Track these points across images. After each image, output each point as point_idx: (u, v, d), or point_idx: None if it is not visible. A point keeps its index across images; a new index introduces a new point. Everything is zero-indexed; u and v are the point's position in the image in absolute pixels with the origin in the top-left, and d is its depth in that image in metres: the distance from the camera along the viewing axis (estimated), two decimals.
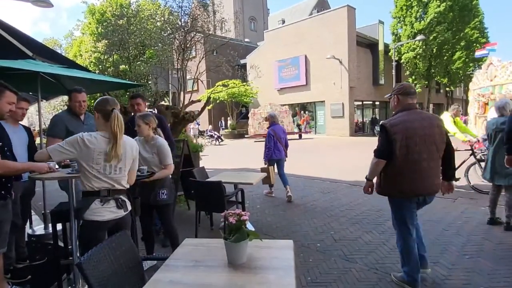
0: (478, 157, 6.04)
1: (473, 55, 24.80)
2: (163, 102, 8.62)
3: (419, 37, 20.62)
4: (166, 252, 3.29)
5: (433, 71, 24.67)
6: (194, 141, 7.59)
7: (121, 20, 8.61)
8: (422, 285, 2.75)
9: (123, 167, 2.13)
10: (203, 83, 9.01)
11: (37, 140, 4.94)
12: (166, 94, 8.47)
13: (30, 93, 5.42)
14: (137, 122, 3.02)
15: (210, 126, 24.57)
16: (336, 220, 4.62)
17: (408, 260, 2.66)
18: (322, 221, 4.59)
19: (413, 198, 2.63)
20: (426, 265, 2.85)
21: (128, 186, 2.22)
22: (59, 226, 2.93)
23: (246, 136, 24.66)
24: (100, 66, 13.29)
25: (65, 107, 3.66)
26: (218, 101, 24.08)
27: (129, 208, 2.22)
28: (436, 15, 21.89)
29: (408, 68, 24.28)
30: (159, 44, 8.00)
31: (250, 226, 1.86)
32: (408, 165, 2.52)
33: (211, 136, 21.52)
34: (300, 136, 22.62)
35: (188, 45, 6.83)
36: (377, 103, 27.47)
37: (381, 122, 2.86)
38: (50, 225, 3.99)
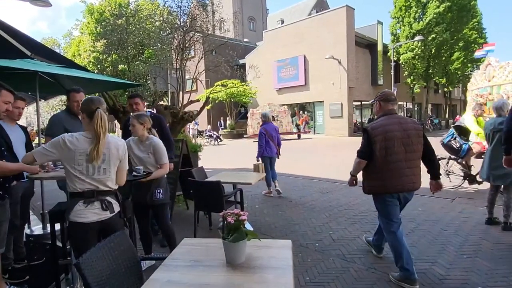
0: None
1: (471, 56, 24.89)
2: (162, 102, 8.62)
3: (417, 38, 20.67)
4: (164, 252, 3.29)
5: (431, 71, 24.72)
6: (193, 141, 7.59)
7: (120, 20, 8.60)
8: (420, 285, 2.76)
9: (108, 168, 2.07)
10: (202, 83, 9.00)
11: (36, 140, 4.93)
12: (165, 94, 8.47)
13: (29, 92, 5.42)
14: (132, 122, 3.02)
15: (209, 126, 24.56)
16: (334, 220, 4.62)
17: (401, 253, 2.80)
18: (321, 221, 4.59)
19: (394, 194, 2.85)
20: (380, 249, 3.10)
21: (115, 187, 2.16)
22: (57, 226, 2.92)
23: (245, 136, 24.67)
24: (98, 66, 13.25)
25: (64, 107, 3.66)
26: (217, 101, 24.07)
27: (117, 209, 2.15)
28: (435, 15, 21.93)
29: (407, 68, 24.32)
30: (158, 44, 8.00)
31: (248, 226, 1.87)
32: (387, 165, 2.76)
33: (210, 136, 21.52)
34: (299, 136, 22.64)
35: (187, 45, 6.83)
36: None
37: (364, 126, 3.05)
38: (48, 225, 4.00)
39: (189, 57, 7.23)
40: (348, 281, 2.88)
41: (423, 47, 22.70)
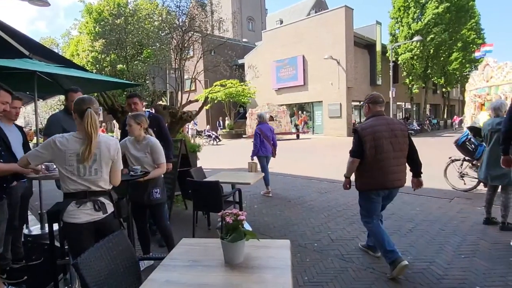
0: None
1: (469, 56, 24.95)
2: (160, 102, 8.60)
3: (416, 38, 20.69)
4: (163, 252, 3.29)
5: (429, 72, 24.76)
6: (192, 141, 7.59)
7: (118, 20, 8.59)
8: (418, 285, 2.77)
9: (99, 168, 2.04)
10: (201, 83, 8.98)
11: (34, 140, 4.92)
12: (163, 93, 8.46)
13: (27, 92, 5.41)
14: (128, 122, 3.01)
15: (208, 126, 24.55)
16: (333, 220, 4.63)
17: (382, 239, 2.99)
18: (319, 221, 4.60)
19: (380, 192, 3.05)
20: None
21: (108, 187, 2.13)
22: (55, 226, 2.91)
23: (244, 136, 24.66)
24: (97, 66, 13.22)
25: (62, 107, 3.65)
26: (216, 101, 24.06)
27: (110, 210, 2.12)
28: (433, 16, 21.97)
29: (405, 68, 24.36)
30: (157, 44, 7.98)
31: (247, 226, 1.87)
32: (376, 163, 2.96)
33: (209, 136, 21.50)
34: (298, 136, 22.66)
35: (185, 45, 6.82)
36: None
37: (354, 127, 3.19)
38: (46, 225, 3.98)
39: (188, 57, 7.23)
40: (347, 281, 2.88)
41: (421, 48, 22.74)
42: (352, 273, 3.02)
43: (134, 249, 2.29)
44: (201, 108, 6.78)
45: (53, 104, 22.90)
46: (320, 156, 12.62)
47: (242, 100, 24.79)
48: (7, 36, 3.88)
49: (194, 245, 1.96)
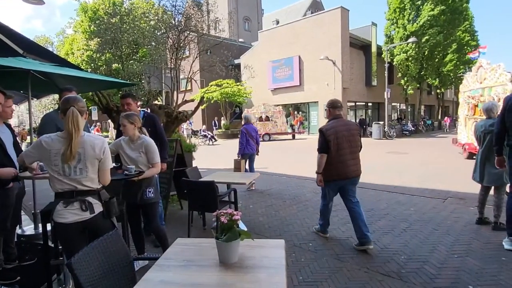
0: None
1: (463, 58, 25.18)
2: (156, 102, 8.57)
3: (411, 40, 20.84)
4: (157, 252, 3.28)
5: (424, 73, 24.94)
6: (187, 141, 7.57)
7: (114, 18, 8.52)
8: (412, 284, 2.79)
9: (84, 168, 2.01)
10: (197, 82, 8.97)
11: (28, 139, 4.88)
12: (159, 93, 8.42)
13: (21, 91, 5.36)
14: (122, 122, 2.99)
15: (204, 126, 24.49)
16: None
17: (323, 217, 3.96)
18: (314, 221, 4.60)
19: (341, 181, 3.63)
20: (370, 242, 3.51)
21: (97, 187, 2.11)
22: (49, 226, 2.89)
23: (239, 136, 24.64)
24: (92, 65, 13.15)
25: (57, 106, 3.62)
26: (212, 101, 24.02)
27: (98, 210, 2.08)
28: (429, 18, 22.13)
29: (400, 70, 24.52)
30: (153, 43, 7.94)
31: (242, 226, 1.87)
32: (338, 158, 3.54)
33: (205, 136, 21.46)
34: (294, 137, 22.70)
35: (181, 45, 6.80)
36: (369, 104, 27.71)
37: (319, 128, 3.79)
38: (40, 225, 3.95)
39: (183, 56, 7.20)
40: (341, 281, 2.90)
41: (416, 49, 22.89)
42: (346, 273, 3.04)
43: (129, 249, 2.28)
44: (196, 108, 6.77)
45: (48, 103, 22.72)
46: (316, 156, 12.63)
47: (238, 100, 24.77)
48: (1, 34, 3.84)
49: (189, 245, 1.96)
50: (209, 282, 1.50)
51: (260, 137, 21.97)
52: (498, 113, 3.83)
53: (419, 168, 9.11)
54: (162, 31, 7.61)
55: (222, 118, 26.50)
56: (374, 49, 24.88)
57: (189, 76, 6.90)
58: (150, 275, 1.56)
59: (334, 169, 3.56)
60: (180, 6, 7.11)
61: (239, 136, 7.04)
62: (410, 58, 23.38)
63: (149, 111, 5.40)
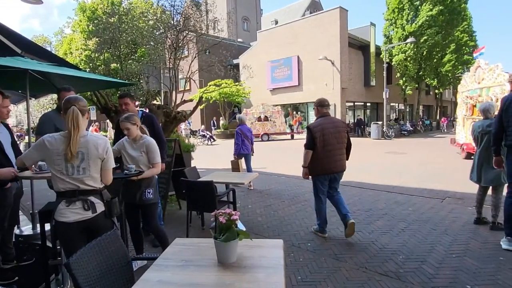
0: None
1: (462, 58, 25.24)
2: (154, 102, 8.56)
3: (409, 40, 20.88)
4: (156, 252, 3.28)
5: (423, 73, 25.00)
6: (186, 141, 7.57)
7: (112, 18, 8.51)
8: (410, 284, 2.80)
9: (87, 167, 2.02)
10: (196, 82, 8.96)
11: (26, 139, 4.87)
12: (158, 93, 8.41)
13: (19, 91, 5.34)
14: (125, 126, 2.94)
15: (203, 126, 24.48)
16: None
17: (320, 216, 3.99)
18: (313, 221, 4.61)
19: (327, 175, 3.83)
20: (348, 218, 3.78)
21: (99, 186, 2.11)
22: (47, 226, 2.88)
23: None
24: (90, 64, 13.10)
25: (55, 106, 3.61)
26: (211, 101, 24.01)
27: (100, 209, 2.09)
28: (427, 18, 22.18)
29: (399, 70, 24.57)
30: (151, 43, 7.94)
31: (241, 226, 1.87)
32: (324, 153, 3.74)
33: (203, 136, 21.44)
34: (292, 137, 22.72)
35: (180, 44, 6.79)
36: (368, 104, 27.75)
37: (307, 125, 4.07)
38: (38, 225, 3.94)
39: (182, 56, 7.20)
40: (340, 280, 2.90)
41: (415, 49, 22.94)
42: (345, 273, 3.04)
43: (127, 249, 2.28)
44: (195, 108, 6.77)
45: (46, 103, 22.66)
46: None
47: (237, 100, 24.76)
48: None
49: (187, 245, 1.96)
50: (208, 282, 1.50)
51: (259, 137, 22.07)
52: (495, 113, 3.84)
53: (418, 168, 9.13)
54: (160, 30, 7.61)
55: (221, 118, 26.49)
56: (372, 49, 24.92)
57: (187, 76, 6.90)
58: (148, 275, 1.56)
59: (321, 164, 3.78)
60: (178, 6, 7.10)
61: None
62: (408, 58, 23.43)
63: (147, 111, 5.40)
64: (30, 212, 4.36)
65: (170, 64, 6.84)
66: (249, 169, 7.01)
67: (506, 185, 3.68)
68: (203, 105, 22.89)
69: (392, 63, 24.30)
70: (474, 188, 4.41)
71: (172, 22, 7.13)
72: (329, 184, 3.93)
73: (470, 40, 27.00)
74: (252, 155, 7.12)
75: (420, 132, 25.76)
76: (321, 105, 3.94)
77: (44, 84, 4.56)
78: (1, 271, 3.03)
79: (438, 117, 33.10)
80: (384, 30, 24.92)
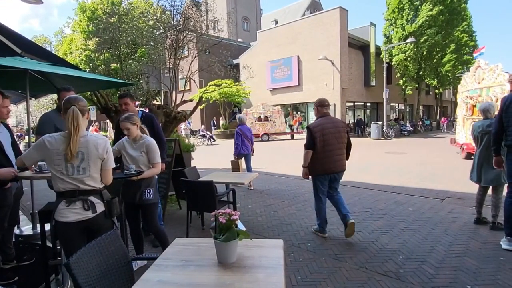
0: None
1: (462, 58, 25.24)
2: (155, 102, 8.55)
3: (409, 40, 20.88)
4: (156, 252, 3.28)
5: (423, 73, 25.00)
6: (186, 140, 7.57)
7: (112, 18, 8.50)
8: (410, 284, 2.80)
9: (87, 167, 2.02)
10: (196, 82, 8.95)
11: (26, 139, 4.87)
12: (158, 93, 8.41)
13: (20, 91, 5.34)
14: (125, 126, 2.94)
15: (203, 126, 24.48)
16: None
17: (320, 216, 4.00)
18: (313, 221, 4.61)
19: (327, 175, 3.83)
20: (348, 219, 3.80)
21: (99, 186, 2.12)
22: (47, 226, 2.88)
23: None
24: (90, 64, 13.09)
25: (55, 106, 3.61)
26: (211, 101, 24.00)
27: (100, 209, 2.09)
28: (427, 18, 22.18)
29: (399, 70, 24.57)
30: (151, 43, 7.93)
31: (241, 226, 1.87)
32: (324, 153, 3.75)
33: (203, 136, 21.44)
34: (292, 137, 22.72)
35: (180, 44, 6.79)
36: (368, 104, 27.75)
37: (307, 125, 4.18)
38: (38, 225, 3.94)
39: (182, 56, 7.19)
40: (340, 280, 2.90)
41: (415, 49, 22.95)
42: (345, 273, 3.04)
43: (127, 249, 2.28)
44: (195, 108, 6.77)
45: (46, 103, 22.65)
46: None
47: (237, 100, 24.76)
48: None
49: (187, 245, 1.96)
50: (208, 282, 1.50)
51: (259, 137, 22.05)
52: (495, 113, 3.84)
53: (418, 168, 9.13)
54: (160, 30, 7.61)
55: (221, 118, 26.48)
56: (372, 49, 24.92)
57: (187, 76, 6.90)
58: (148, 275, 1.56)
59: (321, 164, 3.79)
60: (178, 6, 7.10)
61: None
62: (408, 58, 23.42)
63: (147, 111, 5.40)
64: (30, 212, 4.36)
65: (170, 64, 6.84)
66: (249, 169, 7.01)
67: (506, 185, 3.68)
68: (203, 105, 22.89)
69: (392, 63, 24.30)
70: (474, 188, 4.41)
71: (172, 22, 7.12)
72: (329, 184, 3.92)
73: (470, 40, 27.00)
74: (252, 155, 7.13)
75: (420, 132, 25.76)
76: (321, 105, 3.96)
77: (44, 84, 4.56)
78: (1, 271, 3.03)
79: (438, 117, 33.12)
80: (384, 30, 24.92)
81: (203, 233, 4.24)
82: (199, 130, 22.94)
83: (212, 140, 21.10)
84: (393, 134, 20.91)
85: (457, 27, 24.48)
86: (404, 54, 23.31)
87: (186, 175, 4.46)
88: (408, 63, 23.71)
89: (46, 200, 3.04)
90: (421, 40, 22.47)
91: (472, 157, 4.49)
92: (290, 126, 23.53)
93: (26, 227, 4.41)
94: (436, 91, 31.32)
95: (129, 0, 13.70)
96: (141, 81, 8.26)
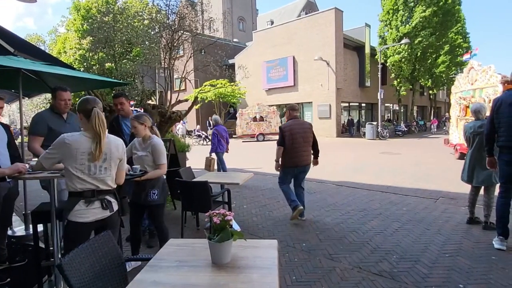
0: None
1: (456, 59, 25.49)
2: (149, 101, 8.51)
3: (404, 41, 21.04)
4: (151, 252, 3.26)
5: (417, 74, 25.20)
6: (182, 140, 7.57)
7: (107, 17, 8.46)
8: (403, 284, 2.82)
9: (109, 167, 2.09)
10: (191, 82, 8.95)
11: (19, 139, 4.82)
12: (153, 93, 8.37)
13: (12, 90, 5.28)
14: (132, 124, 3.00)
15: (198, 126, 24.42)
16: (321, 220, 4.67)
17: (289, 196, 4.54)
18: (308, 221, 4.63)
19: (295, 168, 4.50)
20: (303, 215, 4.62)
21: (114, 186, 2.18)
22: (40, 227, 2.86)
23: (234, 136, 24.62)
24: (85, 64, 13.02)
25: (48, 105, 3.57)
26: (206, 101, 23.96)
27: (115, 208, 2.18)
28: (421, 19, 22.37)
29: (394, 71, 24.74)
30: (146, 42, 7.89)
31: (236, 226, 1.87)
32: (292, 150, 4.42)
33: (199, 136, 21.39)
34: None
35: (175, 44, 6.76)
36: (363, 104, 27.90)
37: (279, 126, 4.94)
38: (31, 226, 3.90)
39: (177, 56, 7.17)
40: (334, 281, 2.91)
41: (409, 50, 23.13)
42: (339, 273, 3.06)
43: (121, 250, 2.27)
44: (190, 108, 6.74)
45: (39, 103, 22.44)
46: None
47: (232, 100, 24.74)
48: None
49: (182, 246, 1.95)
50: (202, 283, 1.50)
51: (254, 137, 22.05)
52: (487, 114, 3.89)
53: (412, 169, 9.20)
54: (155, 30, 7.57)
55: None
56: (367, 50, 25.06)
57: (183, 76, 6.87)
58: (142, 276, 1.55)
59: (289, 158, 4.44)
60: (174, 5, 7.07)
61: (213, 137, 7.54)
62: (403, 59, 23.61)
63: (142, 110, 5.37)
64: (23, 213, 4.31)
65: (165, 64, 6.81)
66: (223, 167, 7.49)
67: (498, 185, 3.72)
68: (199, 105, 22.86)
69: (387, 64, 24.46)
70: (467, 188, 4.45)
71: (167, 22, 7.10)
72: (296, 175, 4.59)
73: (463, 42, 27.27)
74: (227, 152, 7.68)
75: (415, 132, 25.96)
76: (292, 109, 4.65)
77: (38, 83, 4.51)
78: None
79: (432, 118, 33.42)
80: (379, 31, 25.08)
81: (198, 234, 4.23)
82: (194, 130, 22.88)
83: (207, 140, 21.05)
84: (387, 134, 21.05)
85: (451, 28, 24.71)
86: (398, 55, 23.48)
87: (181, 175, 4.45)
88: (403, 64, 23.90)
89: (39, 201, 3.01)
90: (416, 42, 22.66)
91: (464, 158, 4.54)
92: None
93: (18, 228, 4.36)
94: (430, 92, 31.60)
95: None
96: (136, 80, 8.22)
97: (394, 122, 27.41)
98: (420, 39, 22.63)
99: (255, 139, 21.30)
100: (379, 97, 21.21)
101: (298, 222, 4.61)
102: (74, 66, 10.99)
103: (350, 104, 26.11)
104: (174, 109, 6.33)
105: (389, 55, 24.10)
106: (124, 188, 2.54)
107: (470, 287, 2.74)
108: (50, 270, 2.83)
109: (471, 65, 10.24)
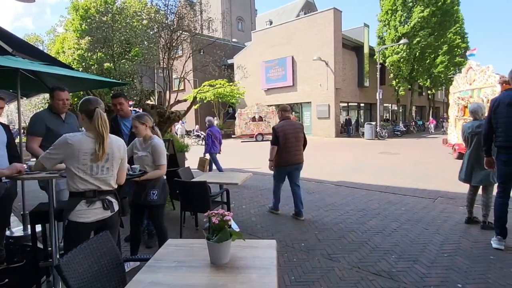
0: None
1: (454, 59, 25.55)
2: (148, 101, 8.50)
3: (402, 41, 21.07)
4: (150, 253, 3.26)
5: (415, 74, 25.24)
6: (181, 140, 7.57)
7: (105, 17, 8.44)
8: (402, 283, 2.83)
9: (111, 167, 2.09)
10: (190, 82, 8.93)
11: (17, 139, 4.80)
12: (151, 93, 8.36)
13: (11, 90, 5.27)
14: (133, 124, 3.00)
15: (197, 126, 24.40)
16: (320, 220, 4.68)
17: (275, 197, 4.99)
18: (307, 221, 4.64)
19: (287, 167, 4.71)
20: (301, 215, 4.74)
21: (115, 186, 2.18)
22: (38, 228, 2.85)
23: (233, 136, 24.64)
24: (83, 64, 13.00)
25: (47, 105, 3.56)
26: (205, 101, 23.95)
27: (116, 208, 2.18)
28: (419, 19, 22.41)
29: (392, 71, 24.77)
30: (145, 42, 7.89)
31: (235, 226, 1.87)
32: (285, 149, 4.61)
33: (198, 136, 21.38)
34: None
35: (174, 44, 6.76)
36: (362, 104, 27.93)
37: (272, 126, 5.06)
38: (29, 226, 3.89)
39: (176, 56, 7.16)
40: (333, 280, 2.92)
41: (408, 51, 23.17)
42: (338, 273, 3.06)
43: (120, 251, 2.26)
44: (189, 108, 6.73)
45: (37, 103, 22.40)
46: (308, 156, 12.66)
47: (231, 100, 24.74)
48: None
49: (180, 246, 1.95)
50: (200, 283, 1.50)
51: (253, 137, 22.05)
52: (485, 114, 3.90)
53: (411, 169, 9.21)
54: (154, 30, 7.57)
55: (215, 118, 26.42)
56: (366, 50, 25.09)
57: (182, 76, 6.87)
58: (140, 276, 1.55)
59: (283, 157, 4.63)
60: (172, 5, 7.07)
61: (208, 137, 7.76)
62: (401, 60, 23.64)
63: (141, 110, 5.36)
64: (21, 213, 4.30)
65: (164, 64, 6.81)
66: (218, 167, 7.72)
67: (496, 185, 3.73)
68: (198, 105, 22.83)
69: (386, 64, 24.49)
70: (465, 188, 4.46)
71: (166, 22, 7.09)
72: (290, 173, 4.77)
73: (462, 42, 27.33)
74: (219, 153, 7.87)
75: (413, 132, 26.01)
76: (284, 110, 4.86)
77: (36, 83, 4.50)
78: None
79: (430, 118, 33.50)
80: (377, 31, 25.12)
81: (197, 234, 4.23)
82: (193, 130, 22.86)
83: None
84: (386, 134, 21.08)
85: (449, 29, 24.77)
86: (397, 55, 23.52)
87: (180, 175, 4.44)
88: (401, 64, 23.94)
89: (37, 201, 3.00)
90: (414, 42, 22.71)
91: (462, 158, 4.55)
92: None
93: (16, 229, 4.35)
94: (429, 92, 31.65)
95: None
96: (135, 80, 8.21)
97: (393, 122, 27.44)
98: (418, 39, 22.68)
99: (254, 139, 21.30)
100: (377, 97, 21.25)
101: (297, 222, 4.62)
102: (73, 66, 10.96)
103: (349, 104, 26.15)
104: (173, 109, 6.32)
105: (388, 55, 24.14)
106: (124, 188, 2.53)
107: (469, 287, 2.74)
108: (49, 270, 2.82)
109: (470, 65, 10.27)
